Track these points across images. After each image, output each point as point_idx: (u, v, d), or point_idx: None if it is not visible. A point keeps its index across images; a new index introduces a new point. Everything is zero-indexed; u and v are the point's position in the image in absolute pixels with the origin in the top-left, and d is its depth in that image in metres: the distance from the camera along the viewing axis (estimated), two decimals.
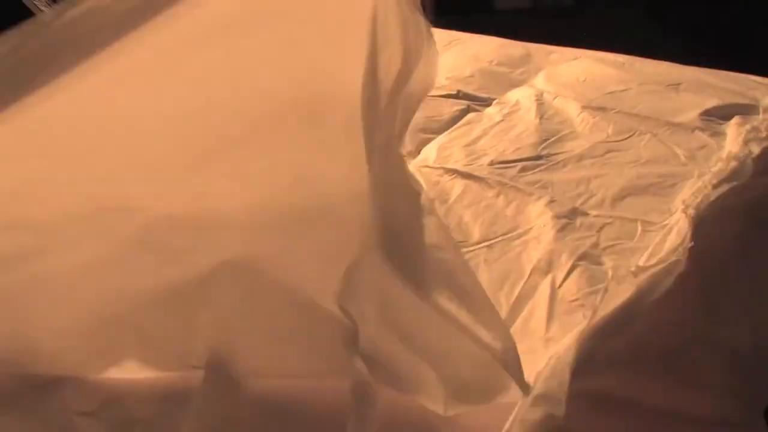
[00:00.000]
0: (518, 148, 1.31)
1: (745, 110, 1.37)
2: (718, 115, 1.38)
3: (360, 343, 0.68)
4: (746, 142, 1.17)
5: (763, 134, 1.21)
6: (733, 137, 1.25)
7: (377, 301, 0.71)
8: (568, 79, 1.61)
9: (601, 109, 1.42)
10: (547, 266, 0.97)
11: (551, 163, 1.26)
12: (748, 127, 1.26)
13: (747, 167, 1.09)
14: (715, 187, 1.02)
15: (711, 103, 1.44)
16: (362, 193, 0.69)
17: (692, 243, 0.87)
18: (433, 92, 1.52)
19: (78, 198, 0.75)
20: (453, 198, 1.17)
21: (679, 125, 1.36)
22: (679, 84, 1.55)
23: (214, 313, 0.75)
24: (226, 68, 0.75)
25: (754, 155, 1.13)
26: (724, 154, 1.18)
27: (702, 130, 1.33)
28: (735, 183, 1.05)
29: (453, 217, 1.11)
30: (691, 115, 1.40)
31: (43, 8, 2.38)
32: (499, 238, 1.06)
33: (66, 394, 0.76)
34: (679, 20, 2.63)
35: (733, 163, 1.10)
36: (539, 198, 1.14)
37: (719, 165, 1.12)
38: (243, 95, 0.76)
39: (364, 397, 0.64)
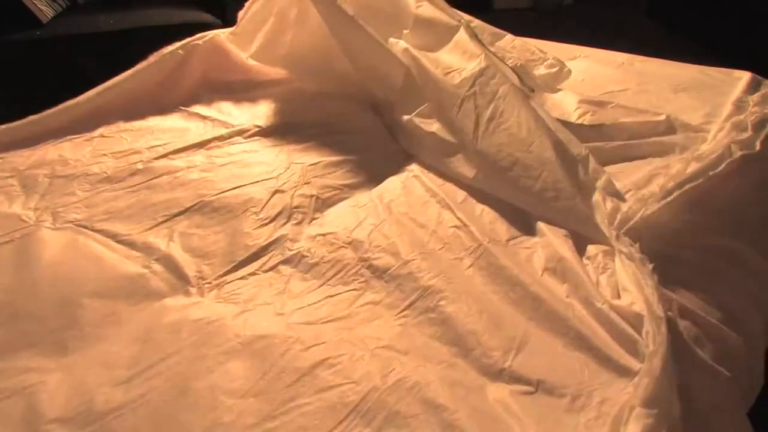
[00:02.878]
0: None
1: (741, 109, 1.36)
2: (716, 114, 1.38)
3: None
4: (729, 141, 1.16)
5: (747, 133, 1.20)
6: (712, 137, 1.25)
7: None
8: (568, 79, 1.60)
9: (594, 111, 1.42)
10: None
11: None
12: (729, 124, 1.25)
13: (713, 167, 1.08)
14: (661, 188, 1.04)
15: (709, 103, 1.43)
16: None
17: None
18: None
19: None
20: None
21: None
22: (677, 84, 1.54)
23: None
24: None
25: (733, 158, 1.11)
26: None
27: (696, 131, 1.32)
28: (691, 184, 1.04)
29: None
30: (685, 117, 1.38)
31: (42, 8, 2.40)
32: None
33: None
34: (679, 20, 2.63)
35: (694, 164, 1.09)
36: None
37: (677, 166, 1.11)
38: None
39: None
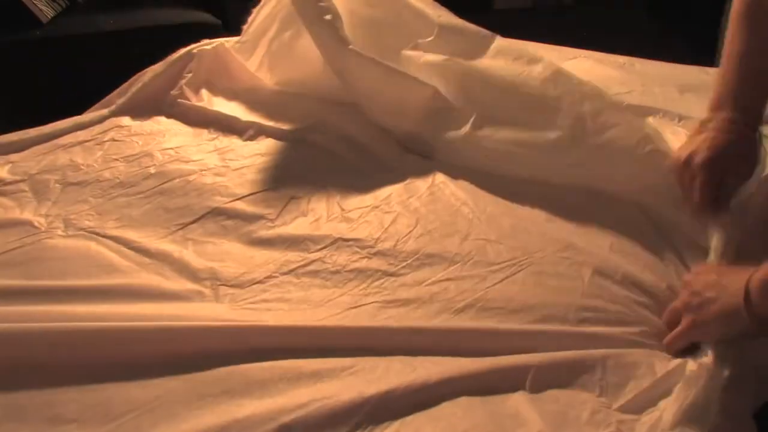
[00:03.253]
0: None
1: None
2: None
3: None
4: None
5: None
6: None
7: None
8: None
9: None
10: None
11: None
12: None
13: None
14: None
15: None
16: None
17: None
18: None
19: None
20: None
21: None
22: (682, 84, 1.54)
23: None
24: None
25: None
26: None
27: None
28: None
29: None
30: (696, 117, 1.38)
31: (42, 8, 2.39)
32: None
33: None
34: (679, 20, 2.63)
35: None
36: None
37: None
38: None
39: None
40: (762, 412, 0.87)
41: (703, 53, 1.92)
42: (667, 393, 0.78)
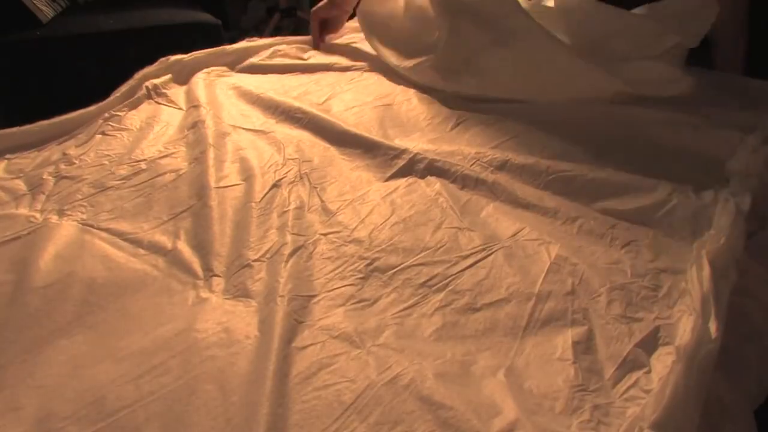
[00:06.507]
0: None
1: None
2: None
3: None
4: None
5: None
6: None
7: None
8: None
9: None
10: None
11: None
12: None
13: None
14: None
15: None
16: None
17: None
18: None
19: None
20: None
21: None
22: None
23: None
24: None
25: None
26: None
27: None
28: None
29: None
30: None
31: (42, 8, 2.40)
32: None
33: None
34: None
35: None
36: None
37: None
38: None
39: None
40: (762, 412, 0.88)
41: (702, 53, 1.92)
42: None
